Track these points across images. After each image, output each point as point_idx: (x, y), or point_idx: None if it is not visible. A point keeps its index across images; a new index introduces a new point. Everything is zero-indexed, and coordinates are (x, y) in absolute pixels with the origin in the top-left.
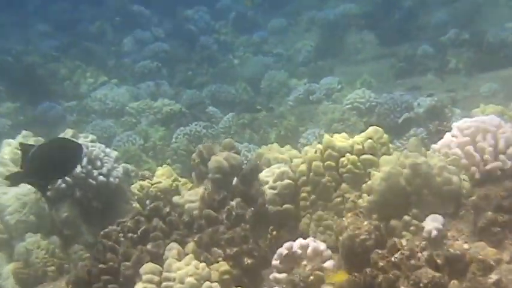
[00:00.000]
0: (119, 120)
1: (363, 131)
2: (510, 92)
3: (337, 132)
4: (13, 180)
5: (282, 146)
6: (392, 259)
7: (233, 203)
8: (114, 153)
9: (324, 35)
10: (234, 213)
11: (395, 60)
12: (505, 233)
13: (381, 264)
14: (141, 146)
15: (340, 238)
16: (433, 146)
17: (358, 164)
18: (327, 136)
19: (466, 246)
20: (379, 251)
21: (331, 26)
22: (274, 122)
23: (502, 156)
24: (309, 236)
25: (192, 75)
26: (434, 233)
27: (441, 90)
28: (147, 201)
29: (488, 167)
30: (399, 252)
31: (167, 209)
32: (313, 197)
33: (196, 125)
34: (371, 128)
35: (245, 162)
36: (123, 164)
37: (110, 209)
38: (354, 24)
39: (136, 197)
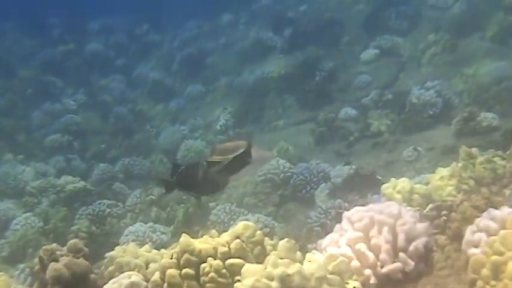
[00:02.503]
0: (21, 201)
1: (276, 205)
2: (435, 156)
3: (249, 207)
4: (168, 187)
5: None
6: None
7: None
8: None
9: (242, 100)
10: None
11: (315, 125)
12: None
13: None
14: (41, 229)
15: None
16: (319, 242)
17: (223, 271)
18: (184, 237)
19: None
20: None
21: (250, 91)
22: (183, 198)
23: (402, 255)
24: None
25: (105, 148)
26: None
27: (361, 156)
28: None
29: (385, 269)
30: None
31: None
32: None
33: (99, 203)
34: (240, 224)
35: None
36: None
37: None
38: (274, 88)
39: None
